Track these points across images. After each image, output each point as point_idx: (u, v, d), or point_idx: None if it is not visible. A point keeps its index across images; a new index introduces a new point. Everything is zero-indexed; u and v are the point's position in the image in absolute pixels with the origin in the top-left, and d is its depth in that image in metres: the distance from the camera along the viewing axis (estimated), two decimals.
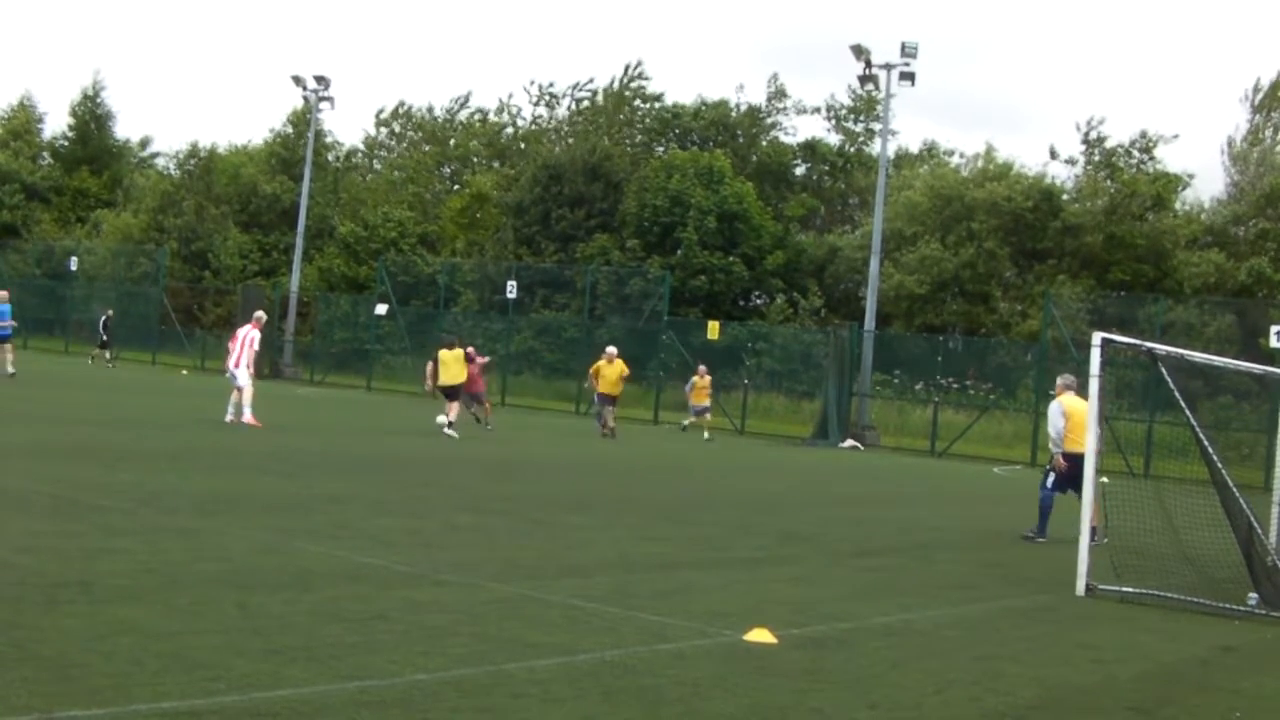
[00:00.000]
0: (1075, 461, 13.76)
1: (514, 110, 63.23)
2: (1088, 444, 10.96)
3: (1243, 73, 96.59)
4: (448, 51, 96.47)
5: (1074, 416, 13.89)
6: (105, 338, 40.08)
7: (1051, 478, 13.99)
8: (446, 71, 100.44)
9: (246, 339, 21.04)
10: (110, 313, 41.45)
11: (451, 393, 23.13)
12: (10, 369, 26.98)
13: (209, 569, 8.17)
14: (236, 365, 20.80)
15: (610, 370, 26.63)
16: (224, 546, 9.08)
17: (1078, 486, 13.88)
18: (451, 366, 23.23)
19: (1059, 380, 14.86)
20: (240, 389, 20.72)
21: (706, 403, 31.10)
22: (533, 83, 67.34)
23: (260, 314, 22.51)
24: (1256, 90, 50.50)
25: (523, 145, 60.49)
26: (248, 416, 20.39)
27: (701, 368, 31.36)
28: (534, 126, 62.19)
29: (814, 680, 6.69)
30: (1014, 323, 43.42)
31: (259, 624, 6.74)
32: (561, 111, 61.51)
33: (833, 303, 48.28)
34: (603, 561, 10.23)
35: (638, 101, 59.27)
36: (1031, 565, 12.47)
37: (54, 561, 7.93)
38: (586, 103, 60.07)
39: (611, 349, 27.33)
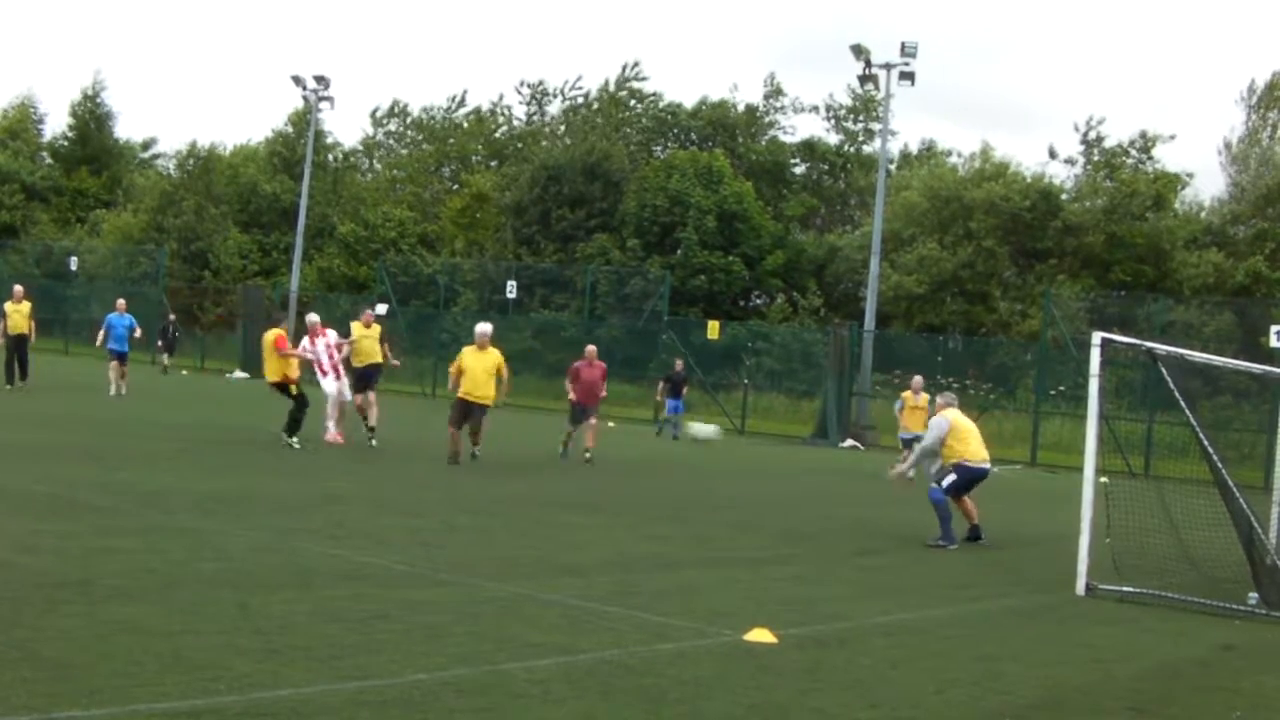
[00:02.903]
0: (976, 473, 13.60)
1: (505, 110, 63.17)
2: (1087, 444, 10.96)
3: (1242, 72, 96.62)
4: (447, 51, 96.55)
5: (960, 429, 13.69)
6: (173, 342, 39.09)
7: (949, 480, 13.43)
8: (446, 70, 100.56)
9: (328, 348, 18.77)
10: (173, 318, 40.95)
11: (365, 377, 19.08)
12: (116, 390, 24.76)
13: (209, 569, 8.17)
14: (333, 376, 18.67)
15: (477, 363, 17.25)
16: (224, 546, 9.07)
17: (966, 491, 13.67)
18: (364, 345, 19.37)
19: (941, 399, 14.30)
20: (345, 399, 18.73)
21: (922, 430, 23.23)
22: (523, 83, 65.68)
23: (312, 317, 19.52)
24: (1252, 91, 50.59)
25: (519, 145, 60.50)
26: (334, 433, 18.57)
27: (917, 379, 22.59)
28: (527, 126, 62.14)
29: (814, 680, 6.68)
30: (1014, 322, 43.44)
31: (259, 624, 6.73)
32: (554, 110, 61.53)
33: (832, 302, 48.31)
34: (603, 561, 10.23)
35: (633, 102, 59.28)
36: (1031, 565, 12.48)
37: (54, 561, 7.93)
38: (580, 101, 60.06)
39: (482, 327, 17.64)
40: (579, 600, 8.26)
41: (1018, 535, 14.70)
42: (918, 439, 21.33)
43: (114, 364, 25.12)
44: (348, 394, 18.82)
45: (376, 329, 19.59)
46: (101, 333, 25.74)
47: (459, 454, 16.91)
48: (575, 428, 20.21)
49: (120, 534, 9.23)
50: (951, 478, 13.41)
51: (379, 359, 19.33)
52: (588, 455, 19.61)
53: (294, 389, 17.59)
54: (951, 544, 13.15)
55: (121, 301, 26.91)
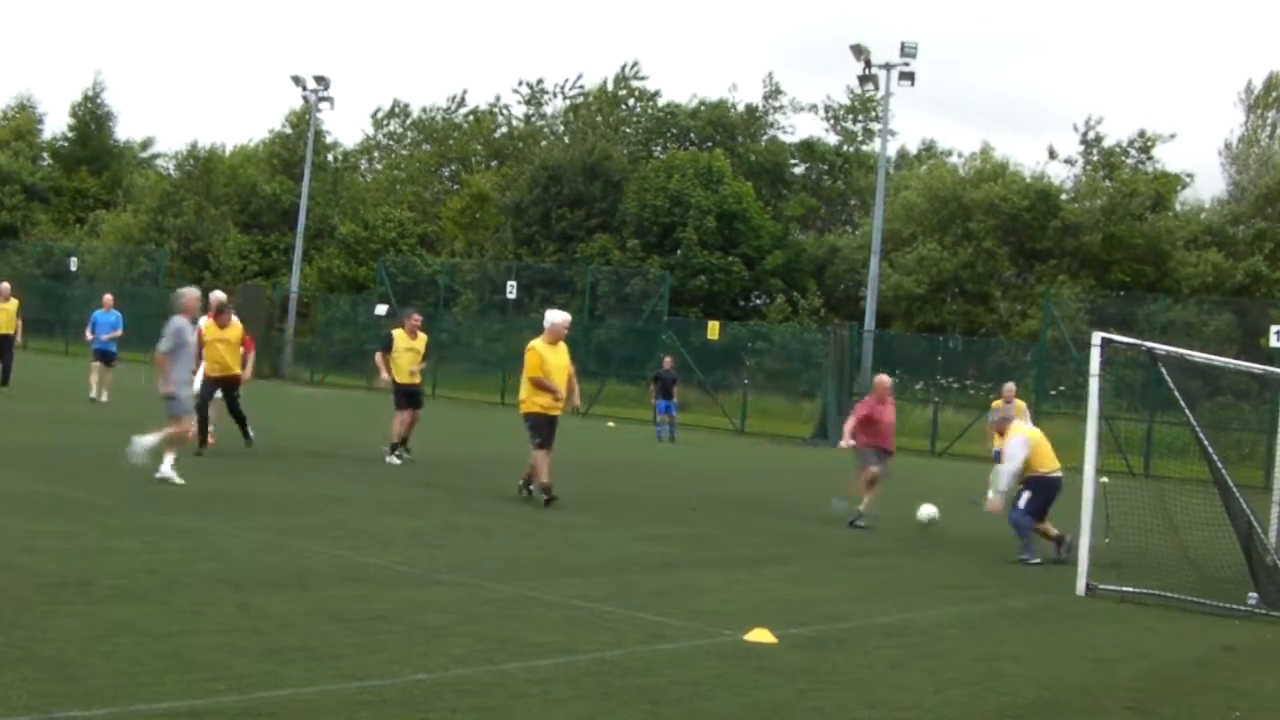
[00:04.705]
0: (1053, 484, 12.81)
1: (504, 110, 63.16)
2: (1087, 444, 10.94)
3: (1242, 72, 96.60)
4: (447, 51, 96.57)
5: (1035, 442, 13.01)
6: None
7: (1025, 499, 12.58)
8: (446, 71, 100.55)
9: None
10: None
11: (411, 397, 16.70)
12: (97, 394, 22.08)
13: (209, 569, 8.17)
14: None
15: (557, 362, 13.71)
16: (224, 546, 9.08)
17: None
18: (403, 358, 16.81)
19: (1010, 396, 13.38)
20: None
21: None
22: (521, 82, 65.06)
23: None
24: (1250, 91, 50.65)
25: (519, 145, 60.52)
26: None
27: (1008, 386, 19.44)
28: (527, 126, 62.13)
29: (814, 680, 6.69)
30: (1014, 323, 43.47)
31: (259, 624, 6.73)
32: (552, 109, 61.57)
33: (832, 303, 48.35)
34: (603, 561, 10.24)
35: (632, 100, 59.31)
36: (1031, 565, 12.46)
37: (54, 561, 7.93)
38: (580, 99, 60.06)
39: (563, 316, 14.09)
40: (579, 600, 8.26)
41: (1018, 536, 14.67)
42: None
43: (96, 365, 22.55)
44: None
45: (421, 341, 16.99)
46: (90, 331, 23.43)
47: (551, 485, 13.42)
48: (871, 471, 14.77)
49: (120, 534, 9.23)
50: (1027, 495, 12.62)
51: (418, 378, 16.99)
52: (844, 505, 14.96)
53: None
54: (1034, 559, 12.33)
55: (108, 297, 24.26)
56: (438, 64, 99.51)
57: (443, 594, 8.13)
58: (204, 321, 15.29)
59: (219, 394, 15.88)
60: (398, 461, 16.36)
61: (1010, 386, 19.85)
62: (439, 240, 55.88)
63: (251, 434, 15.99)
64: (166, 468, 12.24)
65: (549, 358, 13.54)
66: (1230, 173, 49.58)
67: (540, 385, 13.41)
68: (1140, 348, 11.64)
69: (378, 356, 17.09)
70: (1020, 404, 19.22)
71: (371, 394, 38.72)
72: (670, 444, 27.07)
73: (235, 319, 15.93)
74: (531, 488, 13.67)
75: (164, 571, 7.96)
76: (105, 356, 22.64)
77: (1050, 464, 12.94)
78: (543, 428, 13.42)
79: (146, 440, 12.14)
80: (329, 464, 16.04)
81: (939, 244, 45.44)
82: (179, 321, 12.88)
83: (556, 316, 13.91)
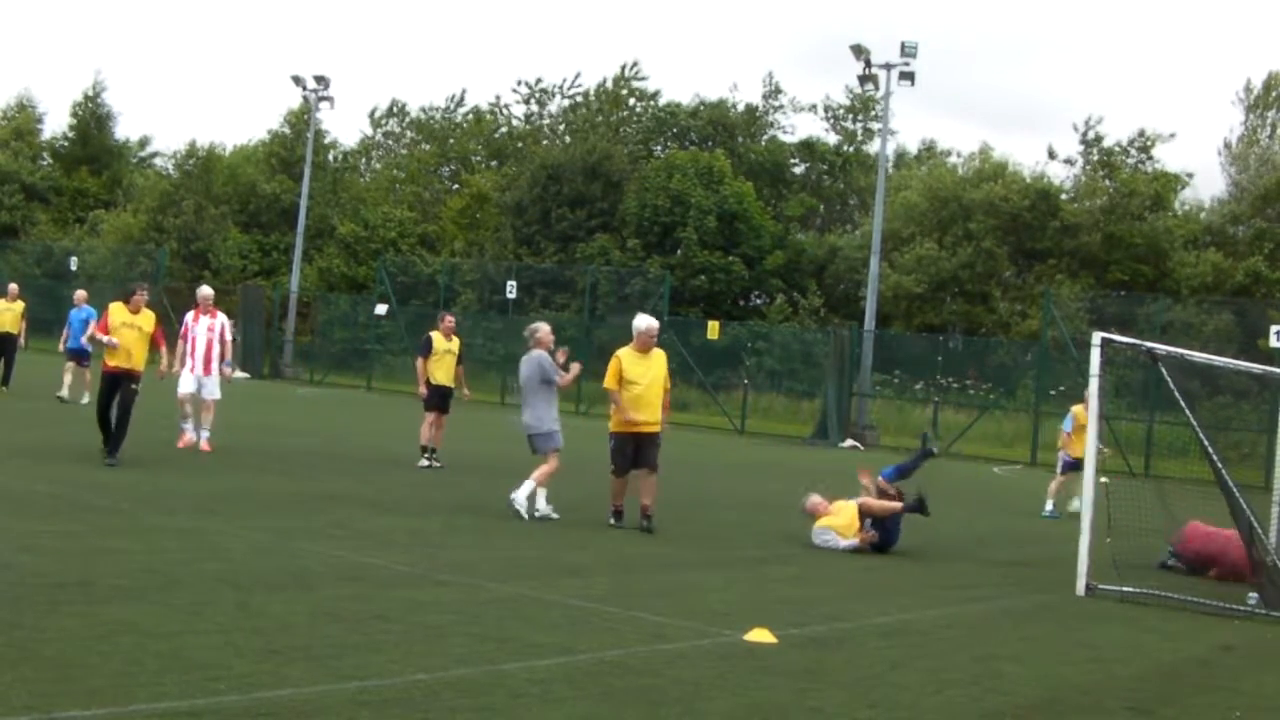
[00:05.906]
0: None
1: (504, 110, 63.12)
2: (1087, 444, 10.95)
3: (1241, 72, 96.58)
4: (447, 51, 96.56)
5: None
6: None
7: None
8: (445, 71, 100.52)
9: (220, 329, 16.65)
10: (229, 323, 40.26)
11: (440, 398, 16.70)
12: (73, 395, 21.22)
13: (209, 569, 8.17)
14: (208, 370, 16.39)
15: (645, 374, 12.61)
16: (224, 546, 9.08)
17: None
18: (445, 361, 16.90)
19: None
20: (212, 401, 16.44)
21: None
22: (520, 82, 64.95)
23: (204, 291, 17.03)
24: (1249, 90, 50.69)
25: (519, 145, 60.50)
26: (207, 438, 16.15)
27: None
28: (527, 125, 62.09)
29: (814, 680, 6.68)
30: (1014, 322, 43.48)
31: (259, 624, 6.73)
32: (553, 108, 61.53)
33: (833, 302, 48.36)
34: (603, 561, 10.24)
35: (633, 100, 59.31)
36: (1031, 565, 12.47)
37: (54, 561, 7.93)
38: (580, 99, 60.06)
39: (650, 321, 12.80)
40: (579, 600, 8.26)
41: (1018, 535, 14.68)
42: (1076, 466, 16.72)
43: (71, 364, 21.64)
44: (216, 392, 16.47)
45: (457, 343, 17.06)
46: (65, 331, 22.43)
47: (623, 510, 12.61)
48: None
49: (120, 534, 9.23)
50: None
51: (453, 381, 16.94)
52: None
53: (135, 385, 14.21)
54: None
55: (81, 294, 23.33)
56: (437, 64, 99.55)
57: (443, 594, 8.13)
58: (112, 305, 14.49)
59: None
60: (426, 464, 16.41)
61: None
62: (439, 240, 55.88)
63: (118, 455, 13.67)
64: (543, 504, 12.42)
65: (632, 368, 12.35)
66: (1230, 172, 49.63)
67: (614, 399, 12.45)
68: (1140, 348, 11.64)
69: (418, 362, 17.09)
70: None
71: (371, 394, 38.75)
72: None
73: (148, 309, 14.55)
74: (620, 513, 12.65)
75: (164, 571, 7.95)
76: (79, 356, 21.70)
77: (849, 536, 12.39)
78: (627, 450, 12.43)
79: (527, 489, 12.38)
80: (329, 464, 16.02)
81: (939, 244, 45.46)
82: (541, 355, 12.81)
83: (643, 322, 12.64)
